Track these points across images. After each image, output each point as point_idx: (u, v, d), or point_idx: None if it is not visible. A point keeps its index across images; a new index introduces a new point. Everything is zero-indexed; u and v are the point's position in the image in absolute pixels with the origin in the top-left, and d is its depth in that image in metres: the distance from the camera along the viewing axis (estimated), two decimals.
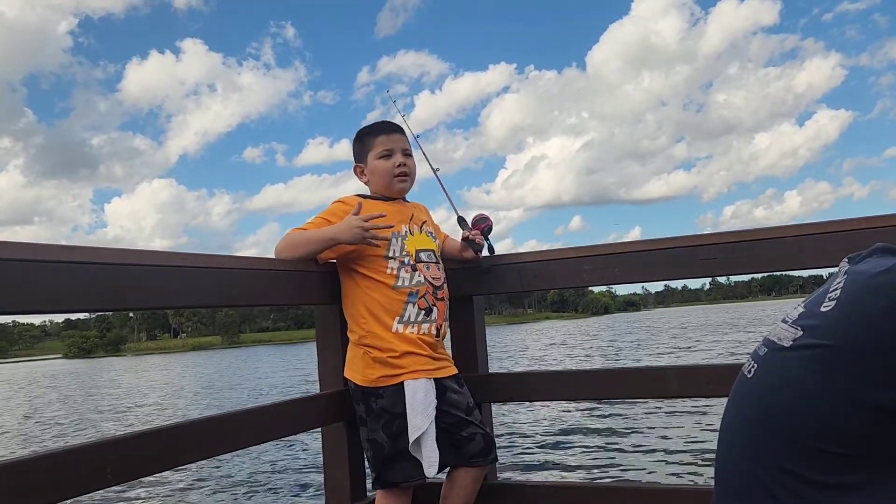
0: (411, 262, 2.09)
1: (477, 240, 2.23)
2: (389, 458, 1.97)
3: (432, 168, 2.38)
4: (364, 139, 2.21)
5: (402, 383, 1.98)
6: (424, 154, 2.38)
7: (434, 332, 2.09)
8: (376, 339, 2.02)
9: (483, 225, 2.25)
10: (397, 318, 2.03)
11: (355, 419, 2.08)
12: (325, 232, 2.04)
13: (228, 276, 1.75)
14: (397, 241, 2.10)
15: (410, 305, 2.05)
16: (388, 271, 2.07)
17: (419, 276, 2.09)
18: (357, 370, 2.03)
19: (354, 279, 2.08)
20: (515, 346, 37.22)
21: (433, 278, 2.13)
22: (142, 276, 1.48)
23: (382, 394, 1.99)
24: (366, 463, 2.13)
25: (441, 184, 2.43)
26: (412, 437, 1.95)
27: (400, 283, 2.06)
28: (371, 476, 2.04)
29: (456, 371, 2.15)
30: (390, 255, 2.08)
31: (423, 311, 2.07)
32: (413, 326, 2.05)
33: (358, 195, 2.20)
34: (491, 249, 2.27)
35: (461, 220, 2.30)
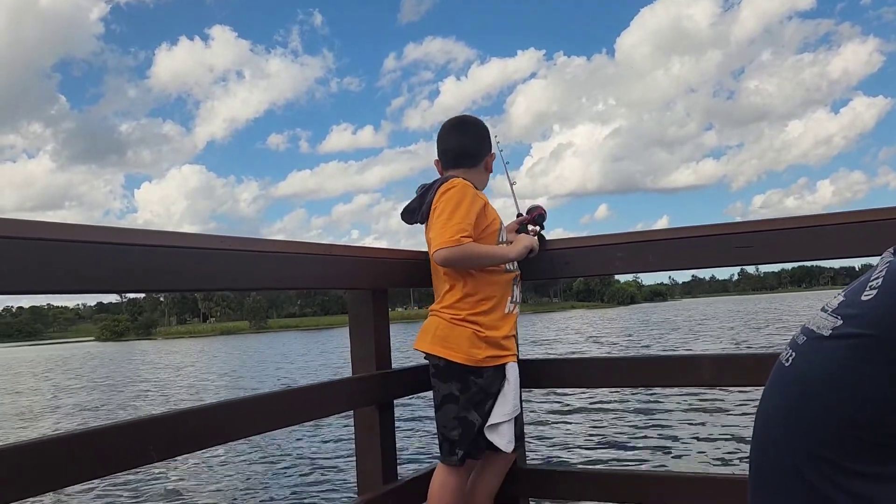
0: None
1: (529, 227, 2.32)
2: (477, 436, 2.05)
3: (510, 182, 2.40)
4: (490, 137, 2.29)
5: (503, 365, 2.07)
6: (507, 172, 2.42)
7: (518, 313, 2.22)
8: (492, 319, 2.09)
9: (535, 213, 2.33)
10: (509, 299, 2.15)
11: (388, 402, 2.11)
12: (508, 253, 2.14)
13: (264, 260, 1.77)
14: (503, 228, 2.21)
15: (515, 287, 2.19)
16: None
17: (515, 262, 2.21)
18: (461, 349, 2.06)
19: None
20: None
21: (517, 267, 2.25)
22: (182, 258, 1.51)
23: (483, 374, 2.05)
24: (403, 444, 2.15)
25: (514, 195, 2.42)
26: (509, 416, 2.05)
27: (508, 268, 2.18)
28: (454, 452, 2.06)
29: None
30: (500, 240, 2.18)
31: (520, 294, 2.21)
32: (518, 307, 2.18)
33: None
34: (541, 238, 2.31)
35: (519, 216, 2.37)
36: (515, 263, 2.21)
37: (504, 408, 2.04)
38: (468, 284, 2.09)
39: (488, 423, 2.03)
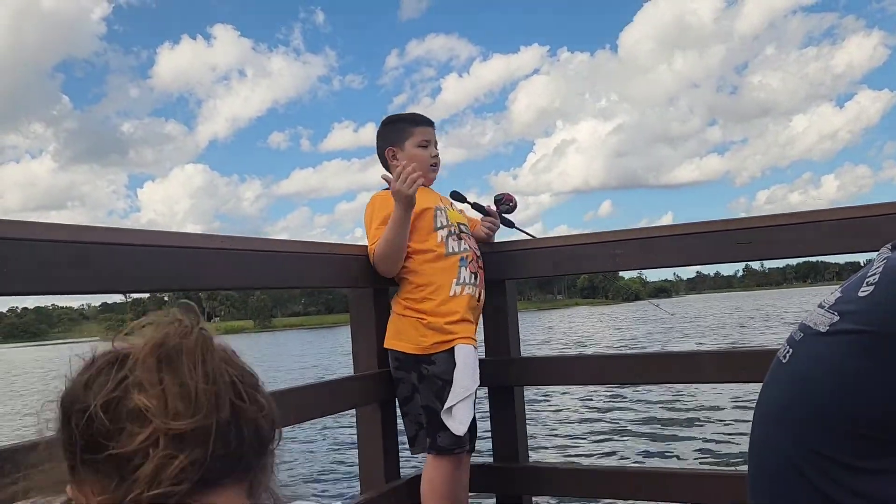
0: (456, 231, 2.18)
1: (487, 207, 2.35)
2: (443, 422, 2.03)
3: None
4: (400, 125, 2.26)
5: (452, 348, 2.05)
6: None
7: (478, 296, 2.18)
8: (434, 305, 2.08)
9: (500, 201, 2.36)
10: (454, 280, 2.12)
11: (390, 400, 2.12)
12: (395, 217, 2.05)
13: (267, 259, 1.78)
14: (441, 213, 2.19)
15: (463, 268, 2.15)
16: (439, 240, 2.15)
17: (465, 244, 2.19)
18: (409, 339, 2.09)
19: (409, 254, 2.14)
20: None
21: (474, 248, 2.23)
22: (184, 258, 1.51)
23: (434, 360, 2.05)
24: (398, 439, 2.16)
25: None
26: (460, 396, 2.01)
27: (451, 251, 2.15)
28: (425, 442, 2.07)
29: None
30: (438, 225, 2.16)
31: (473, 275, 2.17)
32: (469, 287, 2.14)
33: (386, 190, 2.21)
34: (508, 223, 2.35)
35: (475, 206, 2.39)
36: (466, 244, 2.19)
37: (455, 391, 2.02)
38: (410, 273, 2.13)
39: (443, 409, 2.01)
